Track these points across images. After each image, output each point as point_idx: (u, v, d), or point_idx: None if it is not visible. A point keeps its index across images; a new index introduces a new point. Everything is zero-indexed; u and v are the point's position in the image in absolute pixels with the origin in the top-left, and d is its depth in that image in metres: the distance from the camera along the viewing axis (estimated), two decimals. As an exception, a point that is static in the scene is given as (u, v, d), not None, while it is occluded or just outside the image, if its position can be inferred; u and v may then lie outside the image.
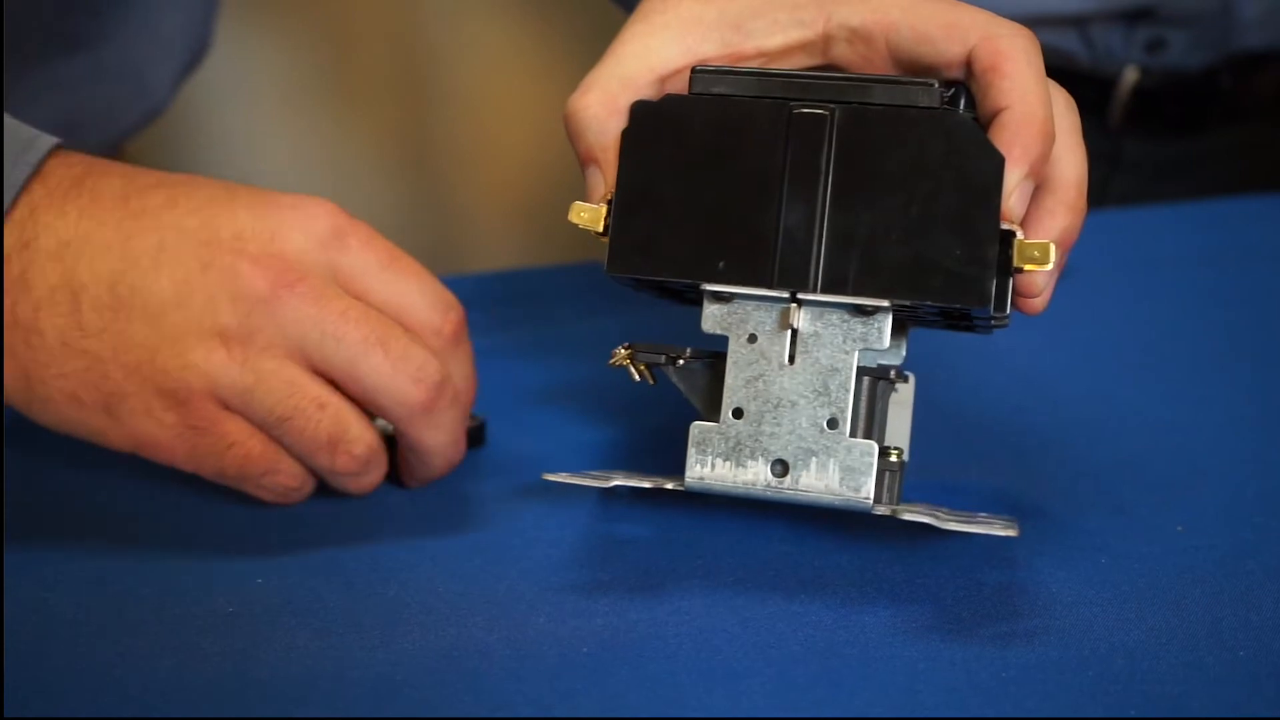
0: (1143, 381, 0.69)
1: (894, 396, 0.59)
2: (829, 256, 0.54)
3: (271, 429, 0.58)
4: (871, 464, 0.55)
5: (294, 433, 0.58)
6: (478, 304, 0.76)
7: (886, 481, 0.56)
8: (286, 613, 0.57)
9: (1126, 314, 0.74)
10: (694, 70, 0.57)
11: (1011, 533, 0.54)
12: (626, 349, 0.59)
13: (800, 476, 0.55)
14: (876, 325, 0.55)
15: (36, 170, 0.58)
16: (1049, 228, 0.55)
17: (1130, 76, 1.01)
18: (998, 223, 0.53)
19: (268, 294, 0.57)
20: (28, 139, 0.58)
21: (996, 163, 0.53)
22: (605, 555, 0.60)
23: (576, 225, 0.57)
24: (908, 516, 0.55)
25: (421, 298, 0.60)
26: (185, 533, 0.62)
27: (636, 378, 0.59)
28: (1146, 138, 1.03)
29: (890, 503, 0.56)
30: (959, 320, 0.58)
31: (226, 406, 0.58)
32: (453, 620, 0.56)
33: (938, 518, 0.55)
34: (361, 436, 0.59)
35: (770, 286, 0.55)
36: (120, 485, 0.64)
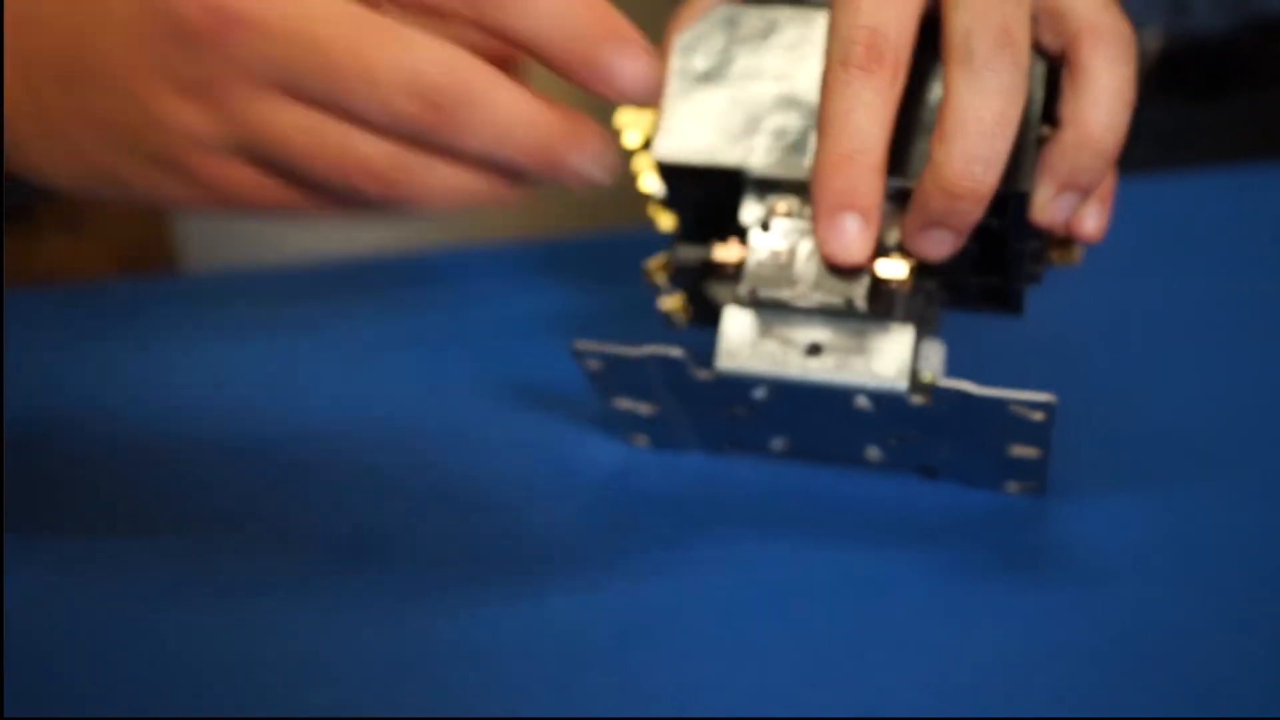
0: (1171, 351, 0.68)
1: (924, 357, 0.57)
2: None
3: (292, 173, 0.47)
4: (908, 345, 0.53)
5: (312, 173, 0.46)
6: (493, 272, 0.75)
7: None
8: (301, 591, 0.55)
9: (1152, 283, 0.73)
10: None
11: (1048, 399, 0.53)
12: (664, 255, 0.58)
13: (834, 359, 0.54)
14: None
15: None
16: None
17: (1152, 42, 0.99)
18: (1040, 112, 0.53)
19: (210, 27, 0.45)
20: None
21: (1044, 66, 0.54)
22: (621, 525, 0.58)
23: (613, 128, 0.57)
24: (944, 384, 0.53)
25: None
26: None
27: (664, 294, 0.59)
28: (1167, 104, 1.01)
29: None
30: (994, 275, 0.57)
31: (230, 158, 0.47)
32: (465, 599, 0.54)
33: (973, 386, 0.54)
34: (375, 149, 0.46)
35: None
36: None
